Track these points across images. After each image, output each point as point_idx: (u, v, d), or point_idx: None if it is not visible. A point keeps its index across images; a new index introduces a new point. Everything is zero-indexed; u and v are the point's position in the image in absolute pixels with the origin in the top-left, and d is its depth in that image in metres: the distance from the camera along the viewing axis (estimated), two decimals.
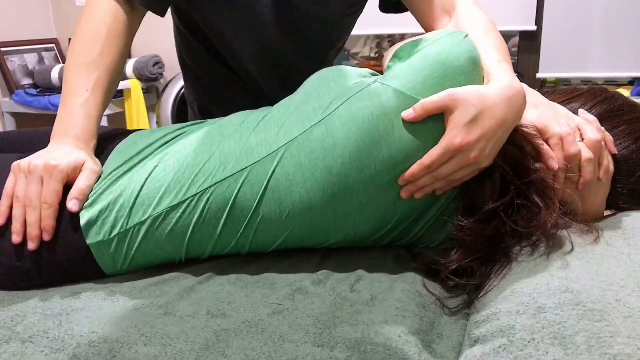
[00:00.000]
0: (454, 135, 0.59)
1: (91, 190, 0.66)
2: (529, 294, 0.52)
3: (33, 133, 0.94)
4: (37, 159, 0.64)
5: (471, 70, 0.63)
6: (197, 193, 0.65)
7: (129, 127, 2.45)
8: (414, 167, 0.62)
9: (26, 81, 2.70)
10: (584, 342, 0.42)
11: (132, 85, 2.44)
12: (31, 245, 0.63)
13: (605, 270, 0.55)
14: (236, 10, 0.85)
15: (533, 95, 0.70)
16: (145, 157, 0.69)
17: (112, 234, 0.65)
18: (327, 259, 0.74)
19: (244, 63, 0.94)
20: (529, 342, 0.44)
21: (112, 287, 0.65)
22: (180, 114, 2.29)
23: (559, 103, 0.74)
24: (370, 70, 0.72)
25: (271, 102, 0.95)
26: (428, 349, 0.56)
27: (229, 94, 1.00)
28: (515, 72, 2.24)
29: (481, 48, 0.66)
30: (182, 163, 0.67)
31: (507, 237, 0.65)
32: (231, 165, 0.65)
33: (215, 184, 0.65)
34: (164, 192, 0.65)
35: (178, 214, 0.65)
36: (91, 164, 0.67)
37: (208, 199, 0.65)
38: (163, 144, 0.71)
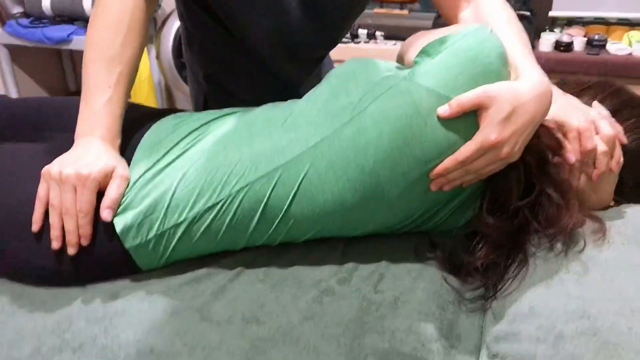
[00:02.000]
0: (489, 132, 0.61)
1: (123, 196, 0.67)
2: (547, 316, 0.56)
3: (36, 104, 0.92)
4: (67, 167, 0.65)
5: (501, 67, 0.63)
6: (231, 195, 0.67)
7: None
8: (448, 162, 0.63)
9: (17, 9, 2.57)
10: None
11: None
12: (71, 251, 0.65)
13: (618, 287, 0.58)
14: None
15: (555, 90, 0.71)
16: (175, 158, 0.70)
17: (149, 236, 0.67)
18: (350, 249, 0.76)
19: (253, 37, 0.91)
20: None
21: (148, 286, 0.69)
22: (181, 50, 2.22)
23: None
24: (396, 64, 0.71)
25: (277, 73, 0.94)
26: (449, 356, 0.61)
27: (235, 61, 0.98)
28: (528, 10, 2.16)
29: (506, 41, 0.66)
30: (214, 163, 0.68)
31: (529, 232, 0.69)
32: (263, 165, 0.66)
33: (247, 184, 0.66)
34: (198, 194, 0.67)
35: (212, 215, 0.67)
36: (121, 170, 0.67)
37: (241, 200, 0.67)
38: (190, 142, 0.72)
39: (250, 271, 0.72)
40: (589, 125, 0.71)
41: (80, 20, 2.42)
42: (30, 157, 0.73)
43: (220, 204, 0.67)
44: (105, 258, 0.68)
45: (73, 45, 2.34)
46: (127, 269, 0.70)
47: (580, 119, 0.71)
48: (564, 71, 2.04)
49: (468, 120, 0.62)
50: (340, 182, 0.65)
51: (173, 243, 0.68)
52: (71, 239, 0.65)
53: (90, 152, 0.67)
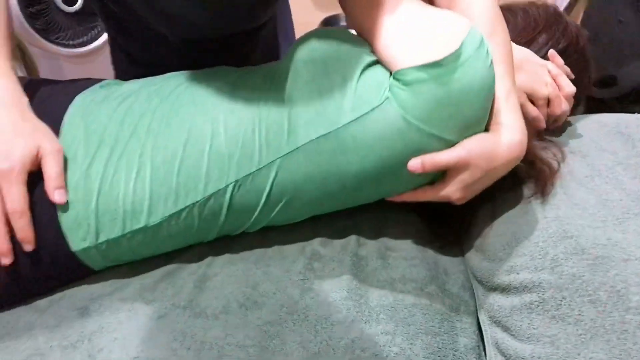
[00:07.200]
0: (453, 192, 0.60)
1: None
2: (535, 243, 0.59)
3: None
4: None
5: (486, 115, 0.59)
6: (197, 201, 0.60)
7: None
8: (407, 197, 0.64)
9: None
10: (607, 298, 0.51)
11: None
12: (6, 261, 0.55)
13: (582, 202, 0.64)
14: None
15: (515, 51, 0.68)
16: (125, 149, 0.60)
17: (100, 240, 0.59)
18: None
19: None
20: (561, 301, 0.53)
21: (119, 292, 0.61)
22: None
23: (526, 43, 0.76)
24: (367, 52, 0.62)
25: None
26: (445, 292, 0.63)
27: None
28: None
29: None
30: (173, 164, 0.59)
31: None
32: (233, 171, 0.60)
33: (215, 191, 0.60)
34: (158, 199, 0.59)
35: (175, 220, 0.61)
36: (49, 145, 0.56)
37: (208, 204, 0.61)
38: (133, 130, 0.61)
39: (224, 254, 0.67)
40: (556, 91, 0.73)
41: None
42: None
43: (185, 210, 0.60)
44: (53, 262, 0.59)
45: None
46: (78, 272, 0.62)
47: (548, 85, 0.72)
48: None
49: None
50: (318, 192, 0.62)
51: (130, 248, 0.61)
52: (2, 245, 0.55)
53: None
